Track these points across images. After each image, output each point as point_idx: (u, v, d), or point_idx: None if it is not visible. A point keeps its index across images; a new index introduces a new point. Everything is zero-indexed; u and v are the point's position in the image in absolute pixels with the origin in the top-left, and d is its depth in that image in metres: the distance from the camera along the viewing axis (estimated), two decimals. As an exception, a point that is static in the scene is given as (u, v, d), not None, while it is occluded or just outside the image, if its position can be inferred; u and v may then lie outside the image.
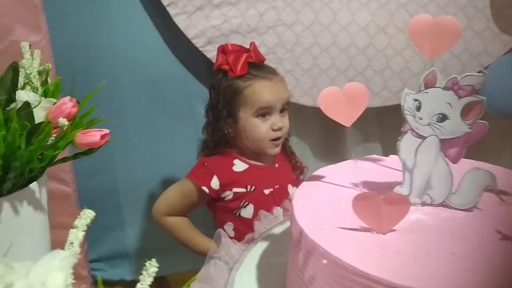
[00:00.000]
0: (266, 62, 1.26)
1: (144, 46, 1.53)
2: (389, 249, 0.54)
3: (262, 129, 1.13)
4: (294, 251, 0.61)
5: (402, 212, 0.58)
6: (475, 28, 1.50)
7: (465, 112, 0.60)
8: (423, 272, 0.50)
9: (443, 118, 0.60)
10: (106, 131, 0.67)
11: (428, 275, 0.49)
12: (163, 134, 1.61)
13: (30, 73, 0.70)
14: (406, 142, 0.64)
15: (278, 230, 0.86)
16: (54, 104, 0.67)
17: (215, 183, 1.13)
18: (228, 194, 1.13)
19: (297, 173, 1.25)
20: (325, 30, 1.49)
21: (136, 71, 1.53)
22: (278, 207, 1.13)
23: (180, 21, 1.45)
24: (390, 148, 1.89)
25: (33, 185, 0.65)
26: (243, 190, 1.13)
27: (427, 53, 0.65)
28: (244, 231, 1.13)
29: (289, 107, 1.20)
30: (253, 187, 1.13)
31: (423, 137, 0.63)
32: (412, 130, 0.63)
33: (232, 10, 1.46)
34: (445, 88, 0.60)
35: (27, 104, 0.63)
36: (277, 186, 1.16)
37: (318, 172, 0.75)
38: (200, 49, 1.48)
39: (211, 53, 1.49)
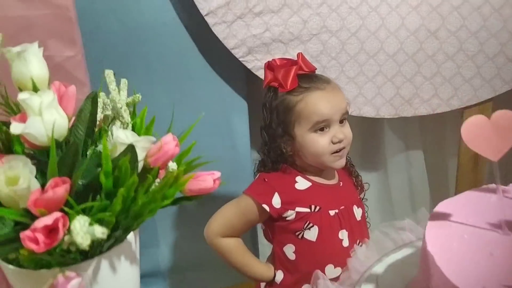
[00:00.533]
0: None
1: (180, 56, 1.47)
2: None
3: (321, 144, 1.05)
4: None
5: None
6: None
7: None
8: None
9: None
10: (218, 174, 0.60)
11: None
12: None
13: (121, 107, 0.61)
14: None
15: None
16: (153, 144, 0.58)
17: (276, 201, 1.06)
18: (291, 214, 1.06)
19: (359, 191, 1.18)
20: (372, 36, 1.40)
21: (171, 82, 1.47)
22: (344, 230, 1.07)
23: (219, 31, 1.38)
24: (431, 155, 1.83)
25: (130, 237, 0.58)
26: (307, 210, 1.06)
27: (491, 156, 0.59)
28: (306, 254, 1.08)
29: (348, 116, 1.12)
30: (317, 207, 1.06)
31: None
32: None
33: (274, 17, 1.38)
34: None
35: (131, 148, 0.53)
36: (342, 207, 1.09)
37: (443, 208, 0.66)
38: (240, 59, 1.41)
39: (252, 63, 1.42)
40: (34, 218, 0.46)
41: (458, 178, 1.61)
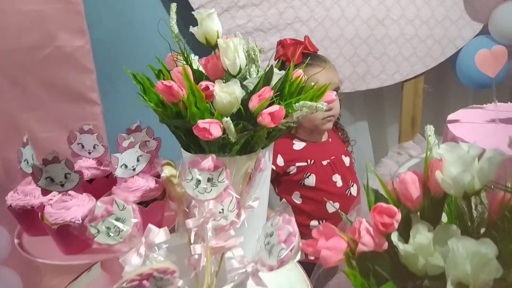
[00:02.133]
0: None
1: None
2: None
3: None
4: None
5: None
6: (452, 17, 1.81)
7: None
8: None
9: None
10: (334, 92, 0.85)
11: None
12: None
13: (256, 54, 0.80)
14: None
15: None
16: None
17: (280, 160, 1.32)
18: (293, 169, 1.34)
19: (346, 145, 1.48)
20: (335, 25, 1.72)
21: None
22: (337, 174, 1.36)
23: (209, 22, 1.60)
24: (375, 126, 2.17)
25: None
26: (305, 164, 1.34)
27: (490, 73, 0.93)
28: (309, 196, 1.35)
29: (339, 92, 1.40)
30: (312, 161, 1.34)
31: None
32: None
33: (255, 10, 1.63)
34: None
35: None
36: (333, 157, 1.38)
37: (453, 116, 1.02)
38: (227, 46, 1.64)
39: (237, 49, 1.66)
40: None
41: (400, 137, 1.98)
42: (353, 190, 1.39)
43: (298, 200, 1.37)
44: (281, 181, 1.38)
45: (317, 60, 1.34)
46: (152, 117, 0.90)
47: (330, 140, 1.43)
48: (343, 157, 1.40)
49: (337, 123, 1.46)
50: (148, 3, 1.62)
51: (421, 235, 0.50)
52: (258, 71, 0.78)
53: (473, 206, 0.56)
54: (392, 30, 1.78)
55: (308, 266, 0.89)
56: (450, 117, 1.03)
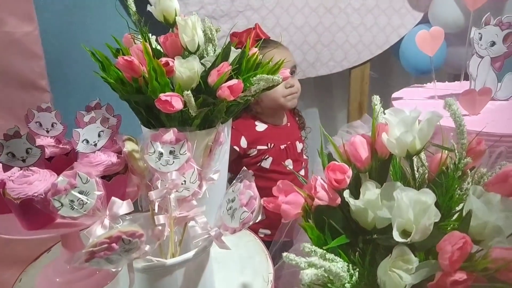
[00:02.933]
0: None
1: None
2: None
3: (278, 88, 1.36)
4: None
5: (486, 100, 0.95)
6: (395, 6, 1.90)
7: (504, 39, 1.00)
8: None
9: (493, 43, 0.97)
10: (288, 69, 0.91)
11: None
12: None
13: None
14: (472, 61, 1.02)
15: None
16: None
17: (243, 142, 1.36)
18: (253, 151, 1.37)
19: (301, 131, 1.54)
20: (285, 13, 1.76)
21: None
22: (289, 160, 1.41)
23: (161, 8, 1.60)
24: (325, 112, 2.25)
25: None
26: (265, 147, 1.38)
27: (429, 52, 1.02)
28: (262, 177, 1.40)
29: (296, 71, 1.45)
30: (272, 144, 1.39)
31: (482, 57, 1.00)
32: (476, 53, 1.00)
33: (208, -3, 1.65)
34: (494, 25, 0.97)
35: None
36: (289, 142, 1.43)
37: (396, 94, 1.11)
38: (180, 33, 1.66)
39: (190, 36, 1.68)
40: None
41: (349, 122, 2.06)
42: (302, 174, 1.46)
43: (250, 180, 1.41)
44: (239, 162, 1.42)
45: (270, 43, 1.38)
46: (105, 101, 0.91)
47: (288, 125, 1.48)
48: (297, 143, 1.46)
49: (294, 109, 1.51)
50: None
51: (370, 191, 0.55)
52: (215, 50, 0.81)
53: (415, 167, 0.62)
54: (339, 19, 1.85)
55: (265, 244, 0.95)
56: (394, 95, 1.11)
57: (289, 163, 1.42)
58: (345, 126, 1.36)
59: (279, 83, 0.72)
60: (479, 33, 1.00)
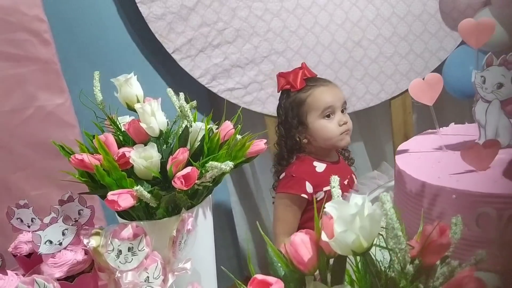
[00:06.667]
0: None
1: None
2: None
3: (331, 127, 1.33)
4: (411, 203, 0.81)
5: (495, 152, 0.81)
6: (431, 30, 1.79)
7: (513, 79, 0.88)
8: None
9: (500, 85, 0.86)
10: (264, 140, 0.84)
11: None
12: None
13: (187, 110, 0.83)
14: (478, 107, 0.90)
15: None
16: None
17: (309, 187, 1.32)
18: (320, 194, 1.32)
19: (351, 166, 1.48)
20: (312, 52, 1.72)
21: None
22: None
23: (185, 65, 1.63)
24: (370, 144, 2.15)
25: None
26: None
27: (428, 102, 0.92)
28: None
29: (346, 107, 1.41)
30: None
31: (489, 101, 0.88)
32: (481, 98, 0.88)
33: (231, 47, 1.66)
34: (499, 65, 0.85)
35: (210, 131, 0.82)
36: (349, 176, 1.38)
37: (403, 146, 0.99)
38: (206, 86, 1.67)
39: (216, 87, 1.69)
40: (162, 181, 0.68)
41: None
42: None
43: None
44: (305, 210, 1.36)
45: (320, 81, 1.36)
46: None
47: (340, 160, 1.43)
48: (353, 176, 1.40)
49: None
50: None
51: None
52: (191, 125, 0.80)
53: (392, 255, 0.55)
54: (370, 51, 1.77)
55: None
56: (401, 147, 1.01)
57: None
58: (361, 177, 1.29)
59: (227, 172, 0.69)
60: (482, 76, 0.89)
